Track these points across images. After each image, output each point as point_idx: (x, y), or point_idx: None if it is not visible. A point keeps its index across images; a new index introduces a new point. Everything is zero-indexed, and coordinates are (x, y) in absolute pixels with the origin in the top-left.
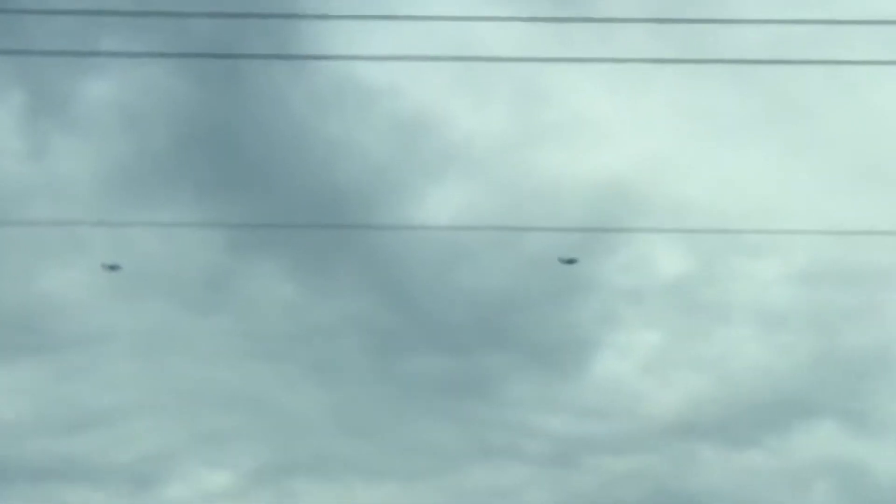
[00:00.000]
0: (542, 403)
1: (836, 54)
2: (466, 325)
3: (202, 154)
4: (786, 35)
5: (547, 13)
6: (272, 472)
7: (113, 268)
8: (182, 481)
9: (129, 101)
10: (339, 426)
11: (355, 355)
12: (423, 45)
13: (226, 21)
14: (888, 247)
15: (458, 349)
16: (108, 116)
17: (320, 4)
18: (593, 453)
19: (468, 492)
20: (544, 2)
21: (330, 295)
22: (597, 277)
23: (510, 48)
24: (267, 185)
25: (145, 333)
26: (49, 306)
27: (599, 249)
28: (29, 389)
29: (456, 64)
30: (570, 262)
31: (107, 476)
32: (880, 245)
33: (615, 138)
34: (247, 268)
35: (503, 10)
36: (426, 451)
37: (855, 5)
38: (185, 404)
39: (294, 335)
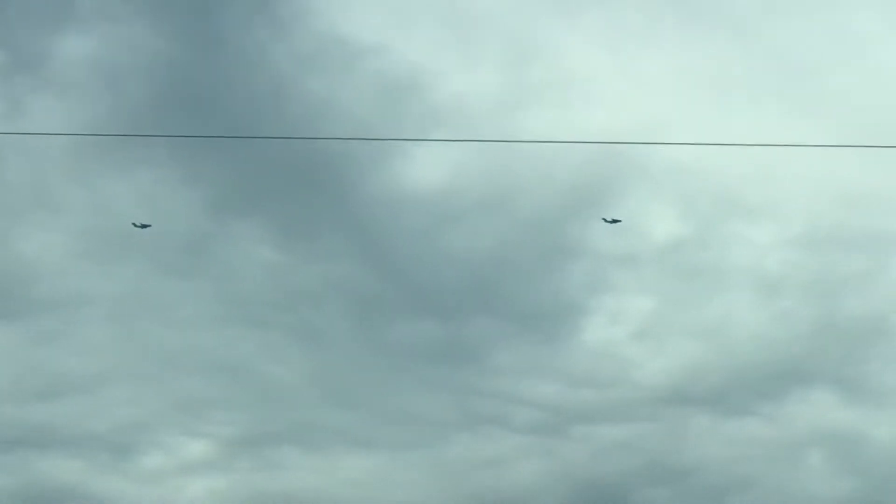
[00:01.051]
0: (532, 371)
1: (838, 13)
2: (453, 291)
3: (181, 113)
4: None
5: None
6: (253, 441)
7: (144, 226)
8: (161, 450)
9: (106, 60)
10: (323, 394)
11: (339, 322)
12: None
13: None
14: (889, 211)
15: (444, 315)
16: (85, 75)
17: None
18: (584, 422)
19: (455, 461)
20: None
21: (313, 259)
22: (587, 241)
23: (502, 4)
24: (248, 145)
25: (122, 298)
26: (23, 270)
27: (590, 213)
28: (2, 355)
29: (444, 21)
30: (615, 221)
31: (84, 444)
32: (882, 209)
33: (609, 98)
34: (227, 230)
35: None
36: (412, 420)
37: None
38: (164, 371)
39: (276, 301)
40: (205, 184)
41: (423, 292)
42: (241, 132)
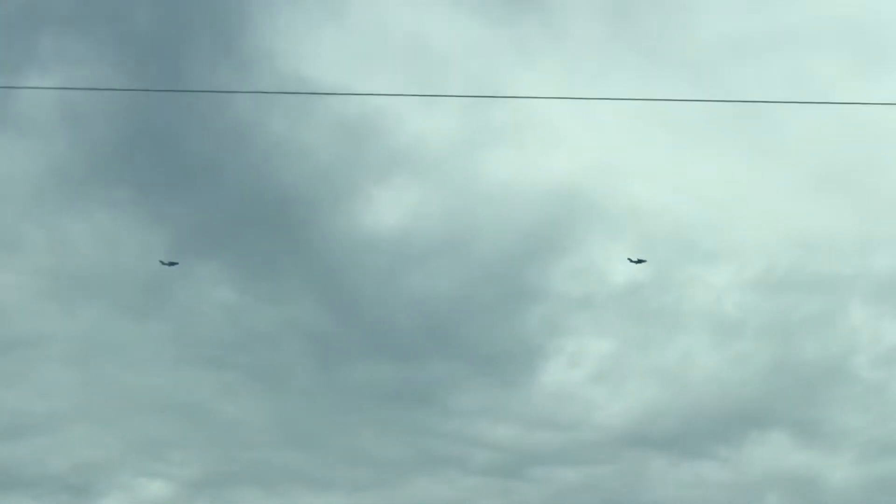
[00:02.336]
0: (489, 413)
1: (796, 58)
2: (412, 332)
3: (142, 154)
4: (746, 38)
5: (502, 14)
6: (211, 481)
7: (171, 264)
8: (119, 491)
9: (69, 101)
10: (281, 435)
11: (298, 363)
12: (374, 45)
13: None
14: (846, 255)
15: (402, 357)
16: (48, 116)
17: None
18: (542, 464)
19: (412, 502)
20: (497, 5)
21: (272, 300)
22: (546, 284)
23: (462, 49)
24: (209, 186)
25: (82, 338)
26: None
27: (549, 256)
28: None
29: (406, 64)
30: (640, 261)
31: (41, 485)
32: (838, 253)
33: (568, 142)
34: (187, 272)
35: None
36: (370, 461)
37: (816, 8)
38: (123, 412)
39: (234, 342)
40: (165, 225)
41: (382, 334)
42: (203, 172)
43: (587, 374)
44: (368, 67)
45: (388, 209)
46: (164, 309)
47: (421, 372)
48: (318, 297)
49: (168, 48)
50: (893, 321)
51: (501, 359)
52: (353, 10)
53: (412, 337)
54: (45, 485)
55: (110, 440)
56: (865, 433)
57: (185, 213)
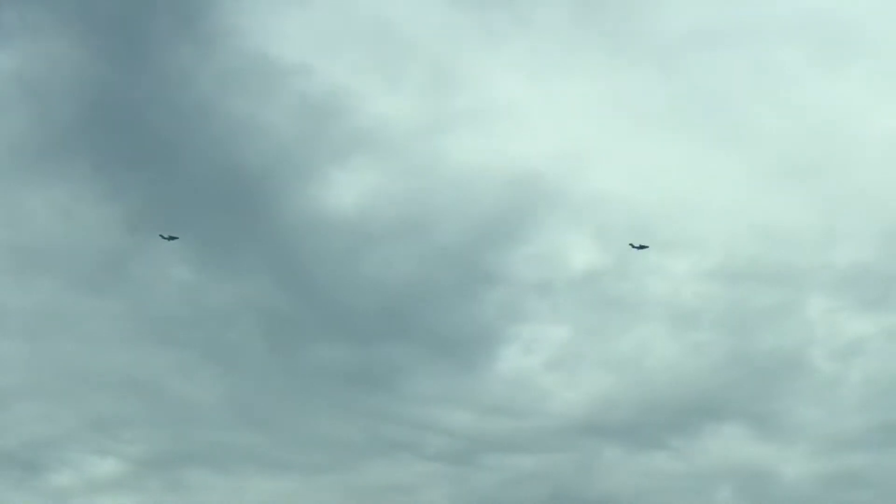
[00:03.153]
0: (445, 398)
1: (762, 48)
2: (369, 315)
3: (102, 130)
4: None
5: None
6: (164, 461)
7: (171, 238)
8: (70, 468)
9: (28, 74)
10: (235, 415)
11: (254, 343)
12: (339, 26)
13: None
14: (806, 248)
15: (359, 340)
16: (7, 89)
17: None
18: (495, 451)
19: (366, 486)
20: None
21: (229, 279)
22: (504, 269)
23: (427, 32)
24: (169, 163)
25: (35, 312)
26: None
27: (508, 241)
28: None
29: (369, 45)
30: (642, 247)
31: None
32: (798, 245)
33: (531, 126)
34: (144, 248)
35: None
36: (325, 444)
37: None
38: (76, 388)
39: (191, 320)
40: (124, 201)
41: (339, 316)
42: (164, 149)
43: (543, 361)
44: (333, 48)
45: (348, 190)
46: (119, 285)
47: (377, 355)
48: (275, 277)
49: (131, 24)
50: (851, 314)
51: (458, 344)
52: None
53: (369, 320)
54: None
55: (62, 417)
56: (821, 427)
57: (143, 189)
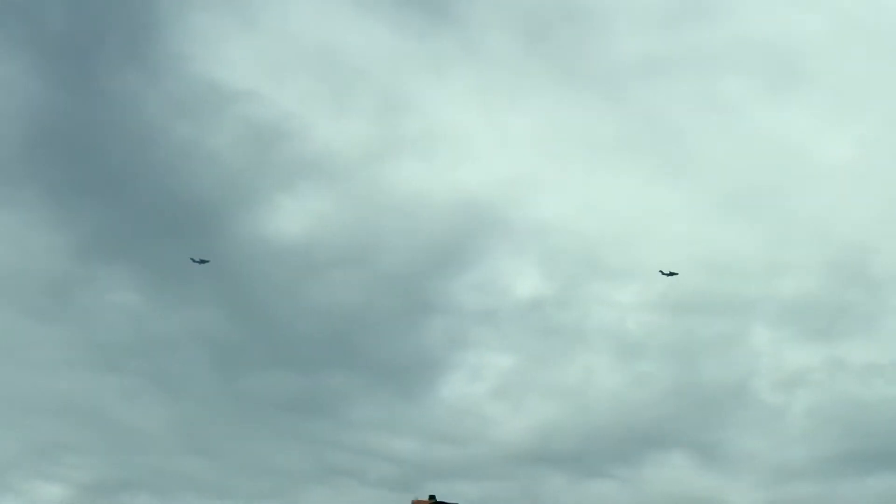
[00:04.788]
0: (389, 426)
1: (708, 78)
2: (313, 343)
3: (50, 156)
4: (659, 58)
5: (415, 25)
6: (107, 486)
7: (202, 261)
8: (12, 493)
9: None
10: (179, 442)
11: (199, 369)
12: (286, 53)
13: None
14: (750, 278)
15: (305, 367)
16: None
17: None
18: (439, 479)
19: None
20: (411, 13)
21: (175, 306)
22: (450, 297)
23: (374, 58)
24: (117, 189)
25: None
26: None
27: (453, 269)
28: None
29: (317, 72)
30: (671, 274)
31: None
32: (743, 276)
33: (478, 154)
34: (91, 275)
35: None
36: (268, 470)
37: (728, 30)
38: (19, 413)
39: (136, 347)
40: (72, 228)
41: (284, 343)
42: (112, 175)
43: (487, 389)
44: (281, 74)
45: (295, 217)
46: (66, 311)
47: (322, 382)
48: (221, 304)
49: (79, 50)
50: (795, 345)
51: (403, 371)
52: (265, 16)
53: (314, 347)
54: None
55: (6, 441)
56: (764, 457)
57: (92, 216)
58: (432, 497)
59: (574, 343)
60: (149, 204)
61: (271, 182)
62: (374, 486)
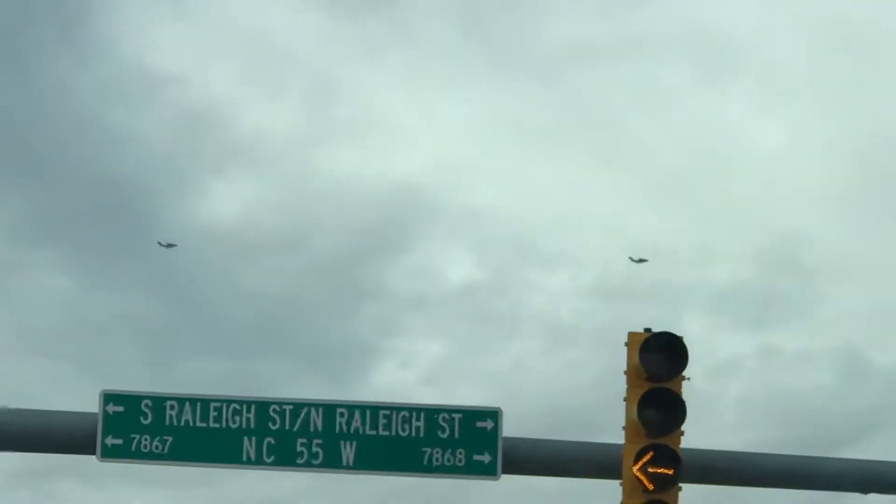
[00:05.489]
0: None
1: (643, 65)
2: (245, 328)
3: None
4: (594, 44)
5: (347, 9)
6: (35, 473)
7: (169, 245)
8: None
9: None
10: None
11: (129, 355)
12: (215, 35)
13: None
14: (683, 265)
15: (236, 353)
16: None
17: None
18: None
19: (240, 500)
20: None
21: (105, 290)
22: (381, 283)
23: (306, 42)
24: (47, 174)
25: None
26: None
27: (385, 254)
28: None
29: (247, 56)
30: (641, 261)
31: None
32: (675, 262)
33: (410, 140)
34: (21, 259)
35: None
36: None
37: (664, 16)
38: None
39: (65, 331)
40: (1, 212)
41: (215, 329)
42: (42, 160)
43: (419, 376)
44: (211, 58)
45: (226, 202)
46: None
47: (252, 368)
48: (152, 289)
49: (7, 33)
50: (728, 333)
51: (334, 357)
52: (197, 0)
53: (245, 332)
54: None
55: None
56: (696, 445)
57: (22, 201)
58: (647, 329)
59: (506, 329)
60: (79, 188)
61: (202, 166)
62: (305, 473)
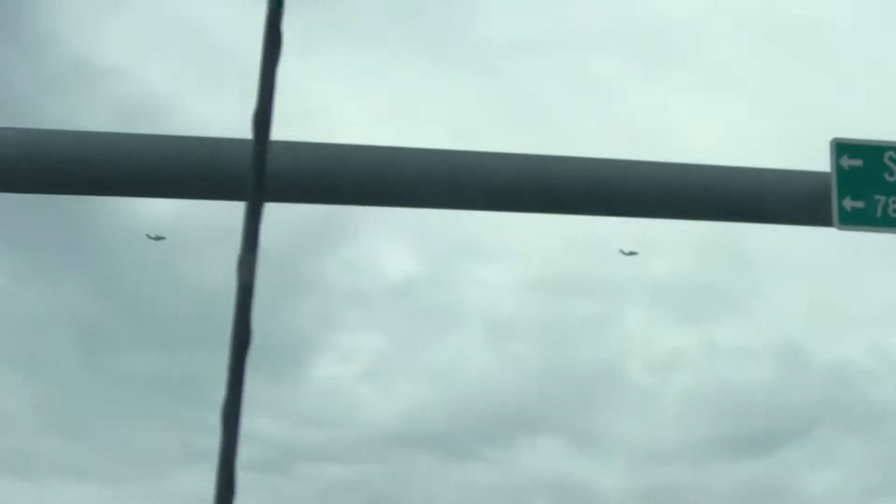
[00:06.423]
0: (257, 407)
1: (581, 56)
2: (181, 322)
3: None
4: (531, 33)
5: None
6: None
7: (158, 238)
8: None
9: None
10: (42, 423)
11: (65, 349)
12: (154, 28)
13: None
14: (623, 258)
15: (173, 347)
16: None
17: None
18: (309, 461)
19: (176, 496)
20: None
21: (42, 284)
22: (320, 276)
23: (243, 35)
24: None
25: None
26: None
27: (323, 247)
28: None
29: (186, 49)
30: (631, 254)
31: None
32: (615, 256)
33: (343, 130)
34: None
35: None
36: (135, 452)
37: (601, 8)
38: None
39: (1, 325)
40: None
41: (152, 322)
42: None
43: (358, 371)
44: (150, 52)
45: None
46: None
47: (190, 362)
48: (89, 283)
49: None
50: (668, 326)
51: (272, 352)
52: None
53: (182, 326)
54: None
55: None
56: (637, 440)
57: None
58: None
59: (446, 323)
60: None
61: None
62: (242, 469)
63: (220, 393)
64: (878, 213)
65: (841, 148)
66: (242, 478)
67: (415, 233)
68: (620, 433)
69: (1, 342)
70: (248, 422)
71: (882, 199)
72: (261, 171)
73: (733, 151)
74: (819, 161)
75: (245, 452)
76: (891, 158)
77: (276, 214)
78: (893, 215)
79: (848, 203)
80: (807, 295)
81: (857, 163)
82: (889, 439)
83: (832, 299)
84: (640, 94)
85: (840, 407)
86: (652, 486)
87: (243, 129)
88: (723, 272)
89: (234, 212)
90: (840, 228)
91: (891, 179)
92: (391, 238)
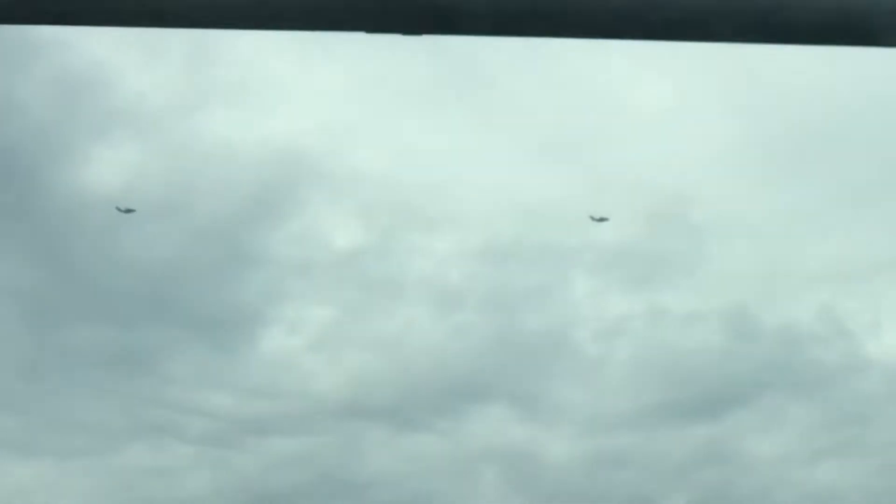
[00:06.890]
0: (205, 381)
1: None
2: (128, 296)
3: None
4: None
5: None
6: None
7: (128, 211)
8: None
9: None
10: None
11: (9, 324)
12: None
13: None
14: (570, 226)
15: (120, 321)
16: None
17: None
18: (258, 434)
19: (125, 470)
20: None
21: None
22: (266, 249)
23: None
24: None
25: None
26: None
27: (269, 220)
28: None
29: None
30: (602, 220)
31: None
32: (562, 224)
33: (291, 103)
34: None
35: None
36: (81, 427)
37: None
38: None
39: None
40: None
41: (98, 297)
42: None
43: (305, 343)
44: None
45: (108, 167)
46: None
47: (136, 337)
48: (33, 257)
49: None
50: (616, 294)
51: (219, 325)
52: None
53: (129, 300)
54: None
55: None
56: (585, 408)
57: None
58: None
59: (393, 294)
60: None
61: (83, 132)
62: (191, 443)
63: (166, 366)
64: None
65: None
66: (193, 451)
67: (359, 204)
68: (569, 401)
69: None
70: (197, 396)
71: None
72: None
73: (684, 116)
74: None
75: (195, 427)
76: None
77: (219, 186)
78: None
79: None
80: (754, 260)
81: None
82: (836, 402)
83: (779, 263)
84: (586, 60)
85: (788, 370)
86: (600, 453)
87: (186, 100)
88: (670, 239)
89: (177, 188)
90: None
91: None
92: (336, 210)
